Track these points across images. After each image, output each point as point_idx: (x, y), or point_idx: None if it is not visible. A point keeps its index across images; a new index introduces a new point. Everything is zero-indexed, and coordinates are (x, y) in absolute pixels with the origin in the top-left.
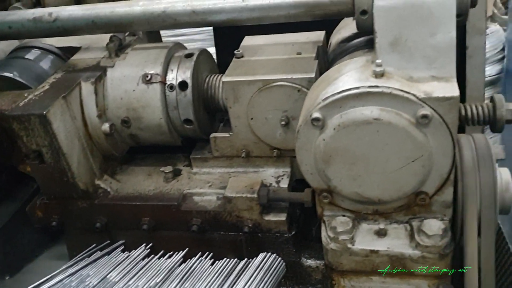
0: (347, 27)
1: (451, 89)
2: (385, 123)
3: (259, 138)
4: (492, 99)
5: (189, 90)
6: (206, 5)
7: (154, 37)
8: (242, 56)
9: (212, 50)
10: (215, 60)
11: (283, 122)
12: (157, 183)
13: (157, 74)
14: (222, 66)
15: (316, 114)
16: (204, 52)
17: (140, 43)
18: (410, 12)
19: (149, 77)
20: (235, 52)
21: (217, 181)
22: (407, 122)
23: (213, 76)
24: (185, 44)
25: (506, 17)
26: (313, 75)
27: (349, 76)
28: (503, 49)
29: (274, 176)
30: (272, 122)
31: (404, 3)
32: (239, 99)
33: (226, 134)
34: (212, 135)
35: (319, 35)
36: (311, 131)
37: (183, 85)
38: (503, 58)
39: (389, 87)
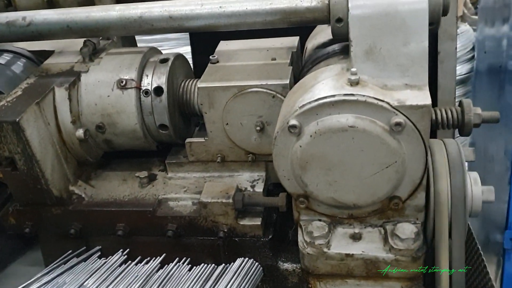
0: (322, 33)
1: (424, 98)
2: (360, 130)
3: (234, 143)
4: (460, 104)
5: (164, 96)
6: (183, 11)
7: (129, 40)
8: (218, 62)
9: (187, 49)
10: (191, 61)
11: (258, 128)
12: (132, 189)
13: (132, 79)
14: (197, 66)
15: (293, 122)
16: (179, 57)
17: (114, 47)
18: (384, 21)
19: (124, 82)
20: (210, 57)
21: (193, 186)
22: (381, 130)
23: (188, 81)
24: (159, 43)
25: (475, 17)
26: (287, 81)
27: (325, 84)
28: (473, 49)
29: (249, 180)
30: (247, 128)
31: (378, 13)
32: (214, 105)
33: (202, 139)
34: (188, 140)
35: (293, 40)
36: (288, 138)
37: (158, 90)
38: (473, 57)
39: (363, 95)
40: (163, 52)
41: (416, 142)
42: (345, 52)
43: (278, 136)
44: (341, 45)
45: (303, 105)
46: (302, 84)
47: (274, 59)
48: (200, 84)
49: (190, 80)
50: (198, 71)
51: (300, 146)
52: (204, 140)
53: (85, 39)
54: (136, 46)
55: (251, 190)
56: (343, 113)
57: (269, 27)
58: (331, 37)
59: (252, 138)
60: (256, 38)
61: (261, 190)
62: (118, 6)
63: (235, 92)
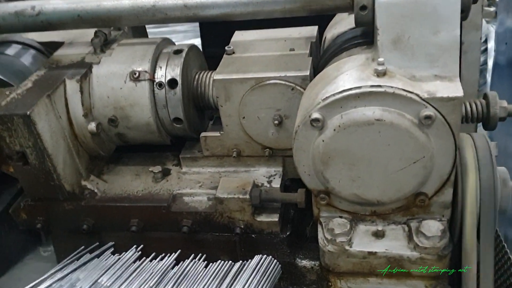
0: (342, 22)
1: (455, 89)
2: (387, 123)
3: (251, 138)
4: (485, 96)
5: (178, 88)
6: None
7: (140, 31)
8: (233, 53)
9: (196, 41)
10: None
11: (276, 121)
12: (145, 184)
13: (145, 71)
14: (208, 59)
15: (316, 115)
16: (193, 48)
17: (126, 38)
18: (413, 8)
19: (137, 74)
20: (226, 48)
21: (208, 181)
22: (409, 123)
23: (203, 72)
24: (168, 36)
25: (490, 9)
26: (307, 73)
27: (349, 75)
28: (485, 41)
29: (266, 175)
30: (264, 121)
31: None
32: (230, 98)
33: (217, 133)
34: (203, 134)
35: (312, 30)
36: (310, 132)
37: (172, 82)
38: (485, 49)
39: (392, 87)
40: None
41: (446, 136)
42: (368, 41)
43: (299, 130)
44: (364, 34)
45: (327, 98)
46: (324, 76)
47: (292, 49)
48: (216, 76)
49: (205, 72)
50: (208, 62)
51: (323, 141)
52: (219, 134)
53: (96, 29)
54: (147, 37)
55: (268, 185)
56: (370, 106)
57: (288, 16)
58: (352, 26)
59: (270, 132)
60: (271, 28)
61: (278, 185)
62: None
63: (252, 84)
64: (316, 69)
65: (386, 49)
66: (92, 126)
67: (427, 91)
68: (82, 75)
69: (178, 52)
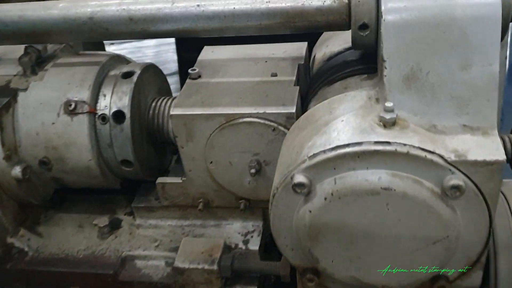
0: (335, 37)
1: (493, 148)
2: (399, 194)
3: (221, 186)
4: None
5: (127, 123)
6: (148, 11)
7: (93, 42)
8: (199, 77)
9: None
10: (175, 58)
11: (253, 170)
12: (89, 240)
13: (84, 101)
14: (183, 65)
15: (300, 178)
16: (149, 68)
17: (68, 54)
18: (434, 32)
19: (73, 105)
20: (190, 71)
21: (167, 238)
22: (429, 193)
23: (161, 100)
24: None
25: None
26: (293, 110)
27: (346, 122)
28: None
29: (242, 232)
30: (238, 168)
31: (425, 19)
32: (193, 138)
33: (178, 179)
34: (159, 180)
35: (300, 48)
36: (293, 198)
37: (119, 115)
38: None
39: (405, 144)
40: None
41: (478, 210)
42: (370, 68)
43: (278, 194)
44: (364, 57)
45: (315, 155)
46: (312, 117)
47: (275, 74)
48: (175, 110)
49: (164, 99)
50: (183, 68)
51: (310, 211)
52: (181, 181)
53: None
54: (103, 49)
55: (244, 247)
56: (374, 169)
57: (265, 33)
58: (348, 43)
59: (245, 181)
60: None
61: (257, 247)
62: (62, 3)
63: (222, 122)
64: (305, 99)
65: (396, 89)
66: (17, 171)
67: (454, 151)
68: (4, 106)
69: (127, 75)
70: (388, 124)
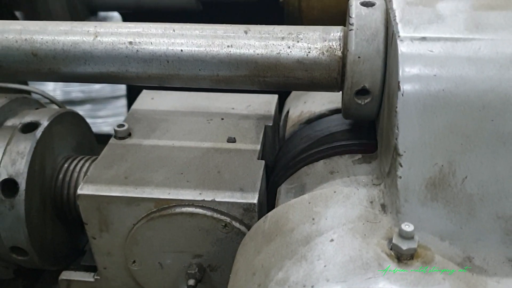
0: (316, 92)
1: None
2: None
3: None
4: None
5: (20, 197)
6: (60, 45)
7: None
8: (129, 135)
9: None
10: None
11: (192, 280)
12: None
13: None
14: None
15: None
16: (64, 117)
17: None
18: (478, 119)
19: None
20: (115, 127)
21: None
22: None
23: (77, 160)
24: None
25: None
26: (254, 200)
27: (338, 245)
28: None
29: None
30: (171, 272)
31: (466, 98)
32: (110, 228)
33: (90, 278)
34: (63, 276)
35: (269, 103)
36: None
37: (9, 186)
38: None
39: None
40: None
41: None
42: (365, 145)
43: None
44: (357, 127)
45: None
46: (284, 222)
47: (232, 140)
48: (84, 188)
49: (81, 160)
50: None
51: None
52: (93, 280)
53: None
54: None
55: None
56: None
57: (224, 88)
58: (334, 102)
59: None
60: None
61: None
62: None
63: (151, 209)
64: (271, 175)
65: (415, 198)
66: None
67: None
68: None
69: (29, 127)
70: (404, 257)
